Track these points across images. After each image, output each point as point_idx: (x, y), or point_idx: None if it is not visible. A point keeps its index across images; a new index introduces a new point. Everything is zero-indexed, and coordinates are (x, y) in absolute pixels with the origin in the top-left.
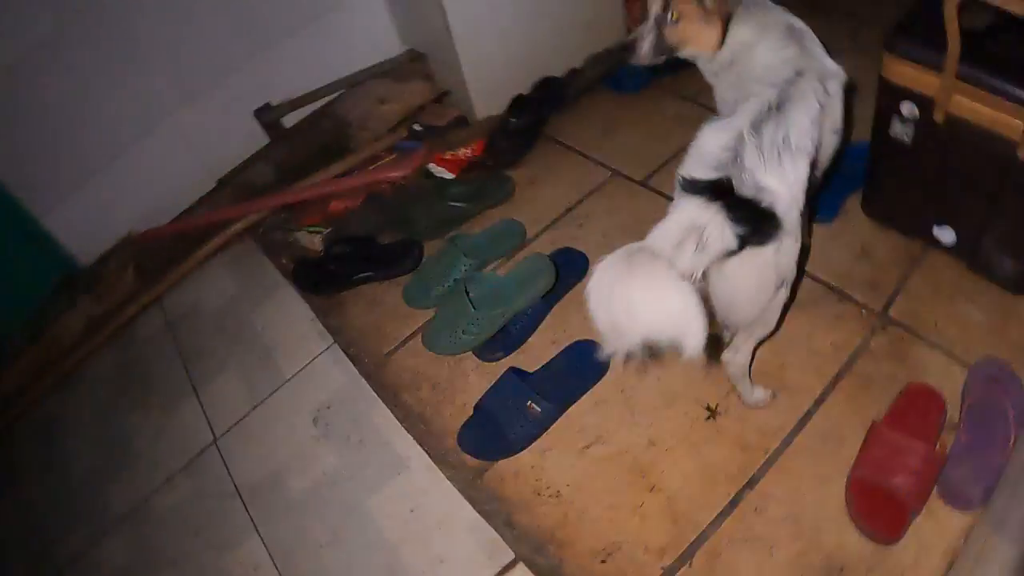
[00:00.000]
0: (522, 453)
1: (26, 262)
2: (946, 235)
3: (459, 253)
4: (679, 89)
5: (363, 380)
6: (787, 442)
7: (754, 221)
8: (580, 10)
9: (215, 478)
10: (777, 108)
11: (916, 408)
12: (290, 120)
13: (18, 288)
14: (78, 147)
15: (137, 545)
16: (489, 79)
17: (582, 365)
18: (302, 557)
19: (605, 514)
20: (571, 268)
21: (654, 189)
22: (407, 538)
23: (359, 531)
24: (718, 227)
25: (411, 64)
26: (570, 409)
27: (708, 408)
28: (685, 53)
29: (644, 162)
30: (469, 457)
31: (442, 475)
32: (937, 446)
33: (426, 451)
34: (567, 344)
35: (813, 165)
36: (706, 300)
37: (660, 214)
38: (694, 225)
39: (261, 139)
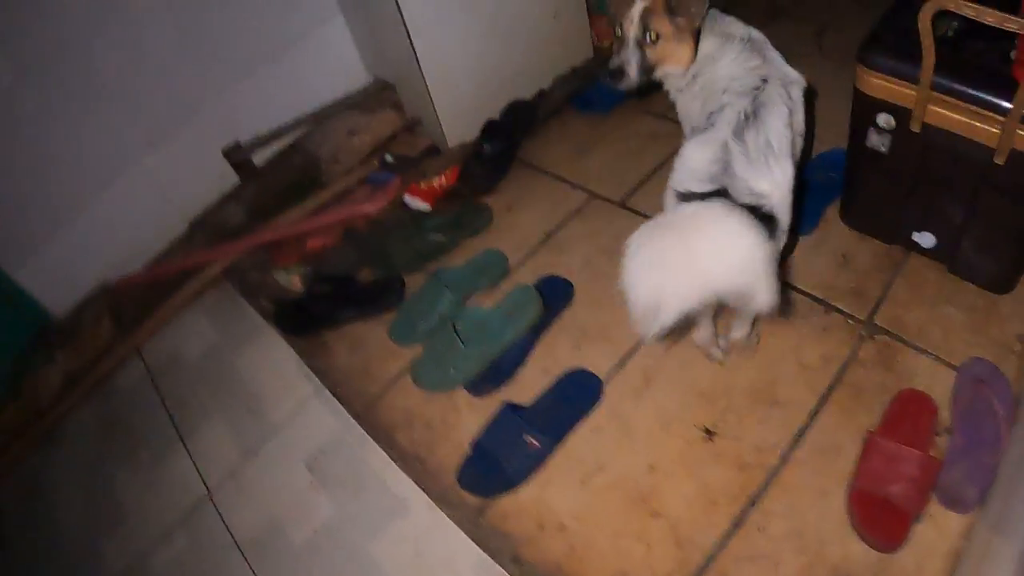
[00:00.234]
0: (523, 487)
1: (0, 318)
2: (926, 239)
3: (442, 287)
4: (648, 107)
5: (354, 422)
6: (785, 458)
7: (761, 222)
8: (546, 31)
9: (212, 531)
10: (753, 115)
11: (908, 415)
12: (260, 158)
13: None
14: (45, 199)
15: None
16: (459, 106)
17: (576, 394)
18: None
19: (610, 543)
20: (556, 296)
21: (633, 209)
22: None
23: None
24: None
25: (379, 94)
26: (567, 439)
27: (705, 429)
28: (660, 72)
29: (620, 182)
30: (469, 495)
31: (444, 515)
32: (931, 451)
33: (425, 491)
34: (558, 373)
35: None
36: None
37: None
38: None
39: (232, 179)
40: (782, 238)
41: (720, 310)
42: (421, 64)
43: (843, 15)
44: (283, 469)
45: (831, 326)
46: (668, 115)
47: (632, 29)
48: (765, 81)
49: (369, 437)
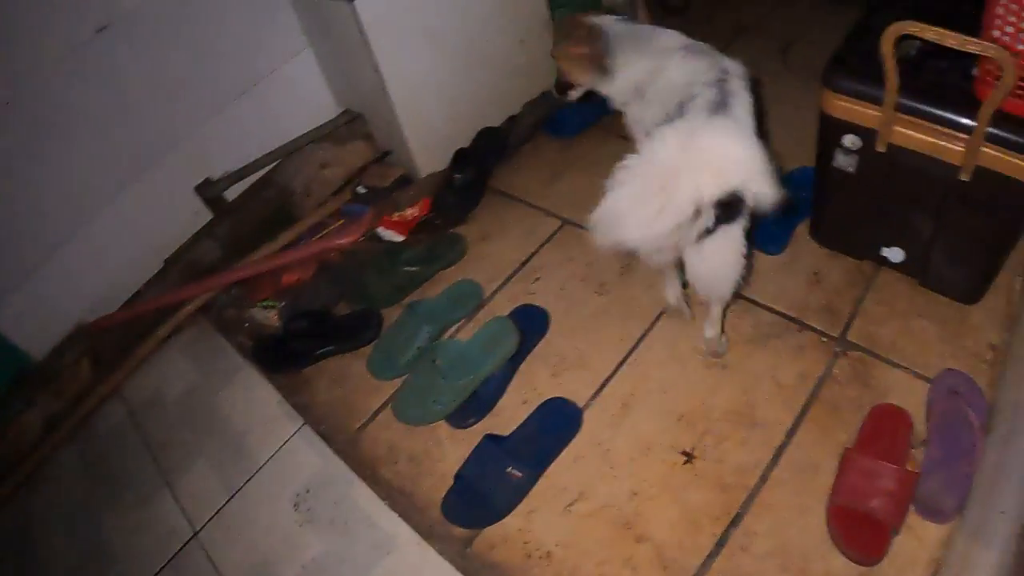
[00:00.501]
0: (508, 518)
1: None
2: (895, 255)
3: (419, 320)
4: (618, 129)
5: (338, 458)
6: (764, 477)
7: (728, 205)
8: (513, 57)
9: (200, 572)
10: (723, 104)
11: (884, 429)
12: (232, 193)
13: None
14: (18, 242)
15: None
16: (429, 135)
17: (556, 423)
18: None
19: (597, 570)
20: (532, 325)
21: None
22: None
23: None
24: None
25: (349, 126)
26: (549, 468)
27: (684, 453)
28: (578, 90)
29: (592, 208)
30: (456, 527)
31: (432, 549)
32: (908, 464)
33: (412, 526)
34: (537, 403)
35: None
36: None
37: (615, 260)
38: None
39: (205, 215)
40: (747, 216)
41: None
42: (390, 94)
43: (808, 30)
44: (269, 507)
45: (805, 344)
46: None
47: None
48: (724, 73)
49: (354, 473)
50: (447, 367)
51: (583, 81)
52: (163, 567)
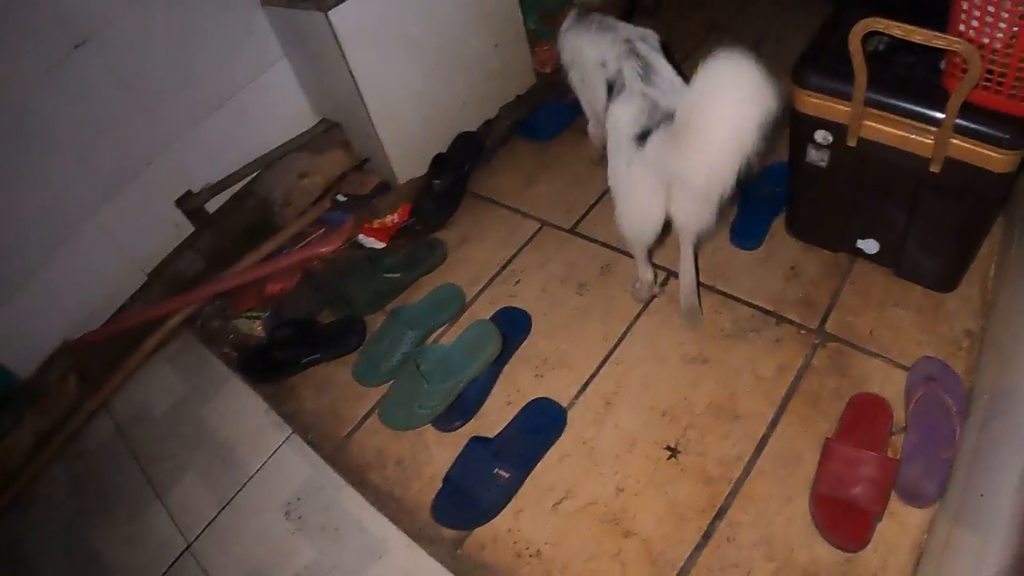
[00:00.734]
0: (497, 518)
1: None
2: (870, 246)
3: (402, 326)
4: None
5: (327, 466)
6: (748, 469)
7: None
8: (488, 61)
9: None
10: (646, 66)
11: (864, 418)
12: (213, 205)
13: None
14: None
15: None
16: (407, 142)
17: (540, 423)
18: None
19: (586, 566)
20: (514, 327)
21: (584, 236)
22: None
23: None
24: None
25: (327, 134)
26: (536, 468)
27: (668, 448)
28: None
29: (570, 209)
30: (446, 529)
31: (423, 551)
32: (889, 451)
33: (402, 529)
34: (522, 404)
35: None
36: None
37: (594, 260)
38: None
39: (186, 228)
40: None
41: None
42: (366, 102)
43: (779, 26)
44: (260, 517)
45: (784, 337)
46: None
47: None
48: (630, 41)
49: (343, 480)
50: (431, 371)
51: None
52: None
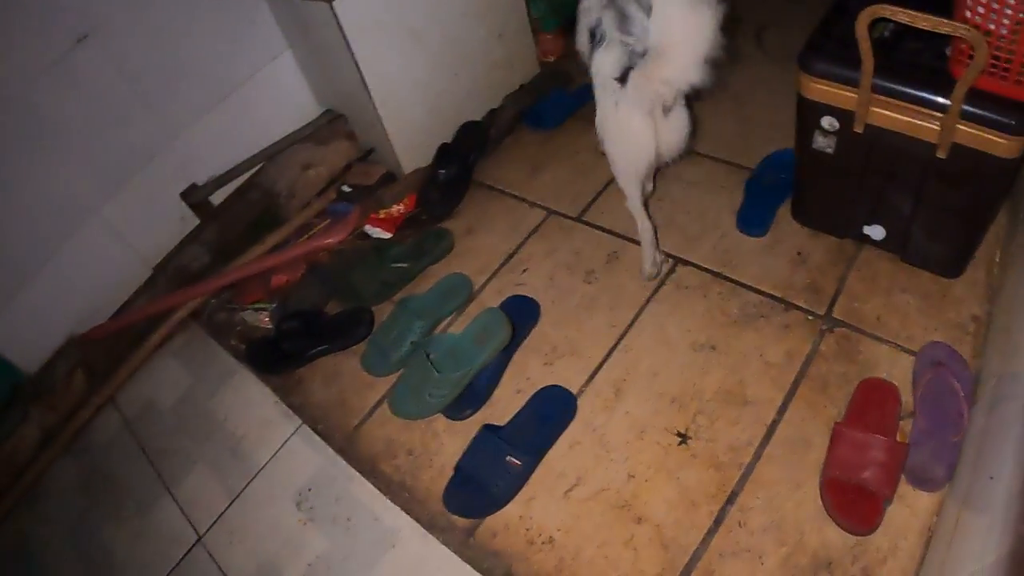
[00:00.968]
0: (508, 506)
1: None
2: (876, 232)
3: (410, 315)
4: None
5: (338, 456)
6: (757, 454)
7: None
8: (492, 51)
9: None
10: (622, 16)
11: (872, 403)
12: (218, 198)
13: None
14: (5, 257)
15: None
16: (412, 132)
17: (551, 411)
18: None
19: (599, 552)
20: (523, 316)
21: (590, 224)
22: None
23: None
24: None
25: (331, 125)
26: (547, 455)
27: (678, 434)
28: None
29: (575, 197)
30: (458, 517)
31: (436, 540)
32: (897, 435)
33: (415, 519)
34: (532, 392)
35: None
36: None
37: (601, 248)
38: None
39: (191, 221)
40: None
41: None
42: (372, 93)
43: (780, 12)
44: (272, 508)
45: (792, 323)
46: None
47: None
48: None
49: (354, 470)
50: (441, 361)
51: None
52: (170, 573)
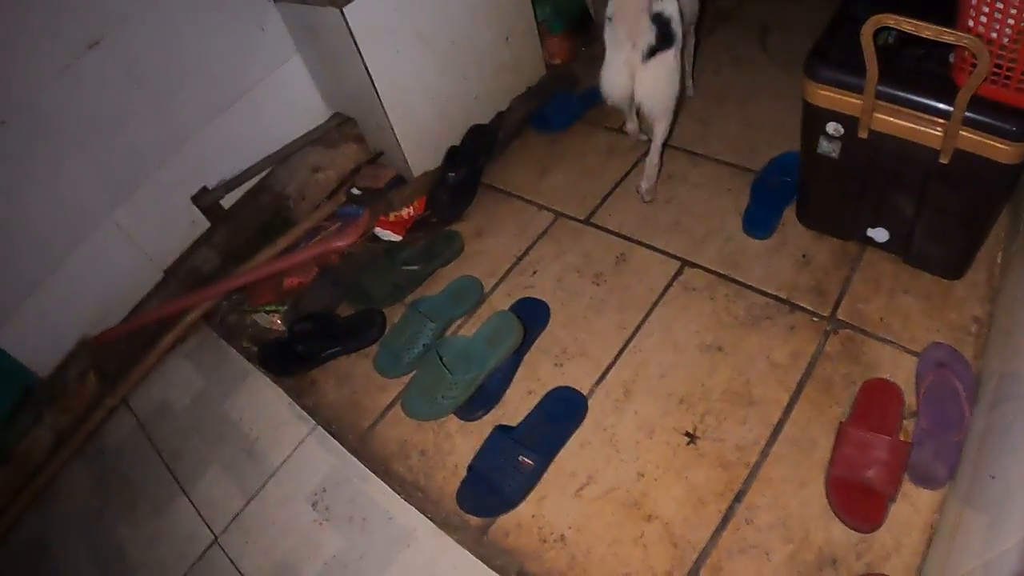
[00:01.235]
0: (521, 505)
1: None
2: (880, 234)
3: (422, 317)
4: (602, 121)
5: (351, 457)
6: (764, 453)
7: (662, 35)
8: (500, 54)
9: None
10: None
11: (876, 403)
12: (228, 201)
13: None
14: (18, 261)
15: None
16: (421, 135)
17: (562, 411)
18: None
19: (609, 550)
20: (534, 317)
21: (598, 226)
22: None
23: None
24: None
25: (340, 128)
26: (558, 455)
27: (687, 433)
28: None
29: (584, 200)
30: (471, 517)
31: (450, 539)
32: (901, 435)
33: (429, 518)
34: (543, 393)
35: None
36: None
37: (609, 251)
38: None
39: (202, 224)
40: (677, 48)
41: None
42: (381, 97)
43: (784, 15)
44: (287, 509)
45: (797, 324)
46: (623, 129)
47: None
48: None
49: (368, 470)
50: (453, 363)
51: None
52: (185, 573)
